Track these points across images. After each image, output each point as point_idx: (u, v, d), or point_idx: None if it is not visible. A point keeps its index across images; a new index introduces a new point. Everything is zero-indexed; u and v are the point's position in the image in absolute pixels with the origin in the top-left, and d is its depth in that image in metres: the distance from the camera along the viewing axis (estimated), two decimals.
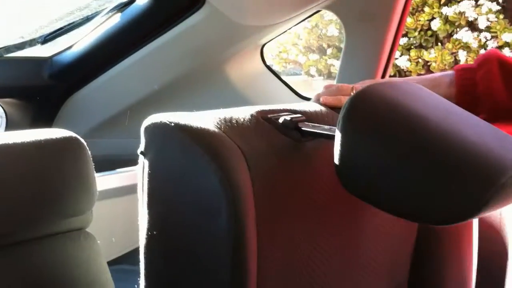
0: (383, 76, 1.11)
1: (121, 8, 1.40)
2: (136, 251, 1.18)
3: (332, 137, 0.51)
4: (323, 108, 0.68)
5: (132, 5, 1.38)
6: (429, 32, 2.63)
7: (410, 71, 2.57)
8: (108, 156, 1.35)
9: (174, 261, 0.52)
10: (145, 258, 0.54)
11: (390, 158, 0.47)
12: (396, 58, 2.59)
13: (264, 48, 1.43)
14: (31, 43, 1.54)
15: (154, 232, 0.53)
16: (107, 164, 1.03)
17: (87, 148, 0.72)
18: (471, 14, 2.74)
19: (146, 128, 0.52)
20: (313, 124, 0.58)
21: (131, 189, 1.09)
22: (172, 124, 0.50)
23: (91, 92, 1.53)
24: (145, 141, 0.53)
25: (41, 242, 0.69)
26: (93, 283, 0.72)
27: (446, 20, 2.66)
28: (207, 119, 0.52)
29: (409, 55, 2.61)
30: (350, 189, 0.50)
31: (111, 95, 1.53)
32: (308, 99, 1.38)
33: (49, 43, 1.53)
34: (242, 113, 0.57)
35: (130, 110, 1.52)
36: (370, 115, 0.49)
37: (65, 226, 0.71)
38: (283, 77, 1.46)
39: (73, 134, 0.72)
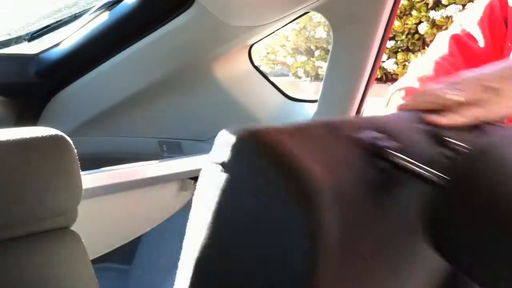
0: (369, 79, 1.12)
1: (109, 6, 1.40)
2: (120, 249, 1.18)
3: (430, 182, 0.45)
4: (420, 128, 0.59)
5: (120, 3, 1.38)
6: (416, 36, 2.65)
7: (397, 74, 2.59)
8: (94, 154, 1.35)
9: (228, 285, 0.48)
10: (195, 277, 0.49)
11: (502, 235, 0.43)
12: (383, 61, 2.60)
13: (252, 49, 1.43)
14: (18, 40, 1.53)
15: (210, 252, 0.48)
16: (93, 162, 1.02)
17: (73, 146, 0.72)
18: None
19: (237, 141, 0.46)
20: (408, 159, 0.50)
21: (116, 188, 1.09)
22: (260, 140, 0.44)
23: (77, 90, 1.53)
24: (230, 155, 0.46)
25: (25, 240, 0.69)
26: (77, 281, 0.72)
27: (433, 24, 2.67)
28: (295, 137, 0.46)
29: (396, 58, 2.62)
30: (432, 244, 0.47)
31: (98, 93, 1.52)
32: (294, 99, 1.39)
33: (36, 41, 1.52)
34: (328, 130, 0.50)
35: (117, 108, 1.51)
36: (488, 179, 0.44)
37: (50, 224, 0.71)
38: (271, 78, 1.46)
39: (59, 132, 0.71)
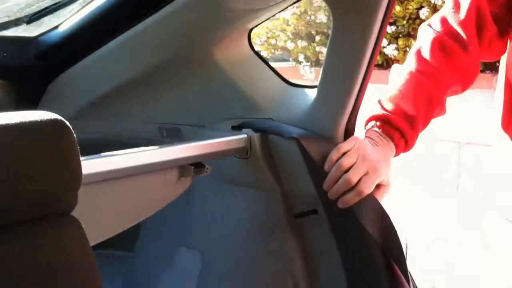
0: (369, 64, 1.11)
1: None
2: (121, 236, 1.18)
3: None
4: None
5: None
6: (417, 21, 2.63)
7: (398, 60, 2.58)
8: (93, 139, 1.35)
9: None
10: None
11: None
12: (384, 47, 2.59)
13: (253, 34, 1.42)
14: (17, 22, 1.52)
15: None
16: (93, 147, 1.02)
17: (72, 131, 0.71)
18: None
19: None
20: None
21: (116, 173, 1.09)
22: None
23: (77, 73, 1.52)
24: None
25: (24, 226, 0.69)
26: (78, 267, 0.72)
27: (434, 8, 2.66)
28: None
29: (397, 43, 2.61)
30: None
31: (98, 77, 1.52)
32: (294, 85, 1.38)
33: (35, 23, 1.52)
34: None
35: (116, 92, 1.51)
36: None
37: (49, 210, 0.71)
38: (272, 63, 1.46)
39: (58, 117, 0.71)
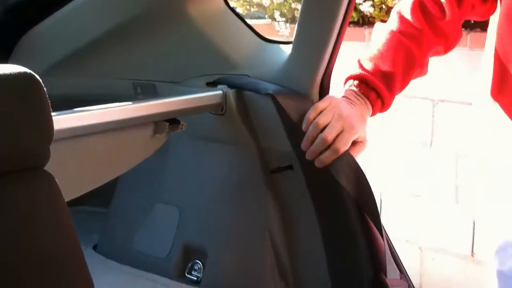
0: (343, 21, 1.11)
1: None
2: (96, 192, 1.18)
3: None
4: None
5: None
6: None
7: (374, 17, 2.56)
8: (66, 95, 1.33)
9: None
10: None
11: None
12: (360, 4, 2.57)
13: None
14: None
15: None
16: (65, 104, 1.01)
17: (43, 86, 0.70)
18: None
19: None
20: None
21: (90, 129, 1.08)
22: None
23: (48, 29, 1.49)
24: None
25: None
26: (53, 222, 0.72)
27: None
28: None
29: (372, 0, 2.59)
30: None
31: (69, 32, 1.49)
32: (269, 40, 1.38)
33: None
34: None
35: (90, 48, 1.48)
36: None
37: (21, 165, 0.70)
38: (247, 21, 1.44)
39: (28, 70, 0.70)
